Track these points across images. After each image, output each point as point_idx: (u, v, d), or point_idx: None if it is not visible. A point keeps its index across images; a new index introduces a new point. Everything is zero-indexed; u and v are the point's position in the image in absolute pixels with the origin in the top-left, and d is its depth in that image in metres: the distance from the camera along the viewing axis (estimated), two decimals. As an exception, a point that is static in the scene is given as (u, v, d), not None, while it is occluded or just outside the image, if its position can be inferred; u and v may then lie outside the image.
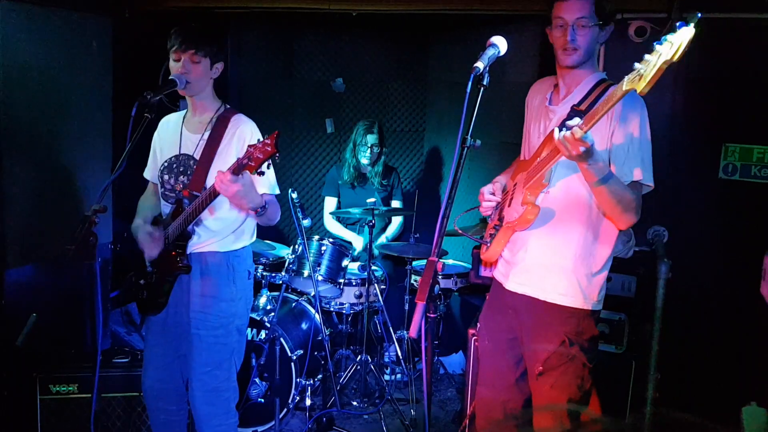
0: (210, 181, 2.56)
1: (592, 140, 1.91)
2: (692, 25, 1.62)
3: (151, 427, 2.94)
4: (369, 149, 4.39)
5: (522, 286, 2.32)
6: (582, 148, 1.88)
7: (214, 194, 2.42)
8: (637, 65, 1.72)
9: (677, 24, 1.64)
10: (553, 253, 2.25)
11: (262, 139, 2.28)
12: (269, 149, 2.22)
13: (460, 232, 2.68)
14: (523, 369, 2.38)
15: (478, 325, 2.61)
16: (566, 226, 2.23)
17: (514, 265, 2.35)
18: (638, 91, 1.71)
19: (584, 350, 2.24)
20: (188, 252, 2.62)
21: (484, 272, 3.35)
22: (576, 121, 1.87)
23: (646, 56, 1.69)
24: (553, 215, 2.23)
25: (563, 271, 2.24)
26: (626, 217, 2.14)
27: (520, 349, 2.37)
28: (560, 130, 1.93)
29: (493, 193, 2.40)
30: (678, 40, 1.62)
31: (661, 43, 1.65)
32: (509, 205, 2.37)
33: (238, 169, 2.28)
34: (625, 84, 1.76)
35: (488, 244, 2.42)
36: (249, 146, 2.26)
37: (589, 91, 2.22)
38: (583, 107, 2.18)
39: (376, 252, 4.39)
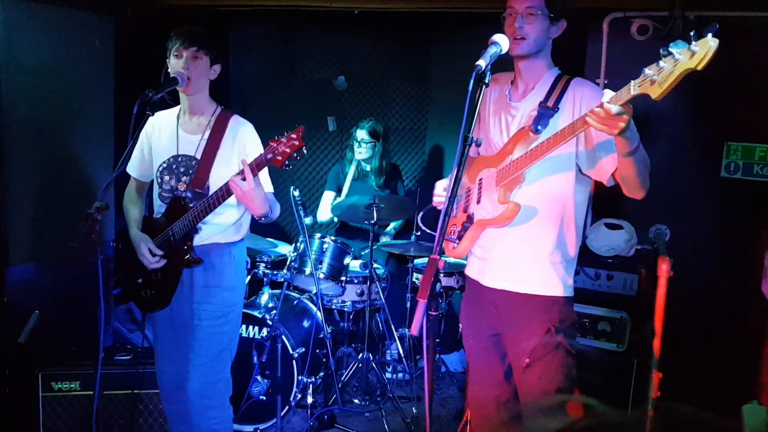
0: (212, 180, 2.63)
1: (631, 109, 1.87)
2: (710, 35, 1.60)
3: (167, 420, 2.96)
4: (357, 144, 4.45)
5: (500, 281, 2.33)
6: (622, 124, 1.86)
7: (227, 193, 2.47)
8: (647, 71, 1.71)
9: (691, 33, 1.62)
10: (530, 246, 2.27)
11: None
12: (296, 143, 2.33)
13: (428, 231, 2.68)
14: (509, 363, 2.39)
15: (461, 325, 2.62)
16: (542, 219, 2.25)
17: (489, 261, 2.36)
18: (653, 97, 1.72)
19: (567, 336, 2.27)
20: (193, 242, 2.67)
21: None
22: (608, 94, 1.85)
23: (660, 62, 1.68)
24: (529, 210, 2.24)
25: (541, 263, 2.26)
26: (646, 184, 2.14)
27: (503, 343, 2.38)
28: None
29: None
30: (703, 50, 1.60)
31: (676, 49, 1.64)
32: (478, 202, 2.37)
33: (261, 164, 2.36)
34: (633, 88, 1.76)
35: (455, 242, 2.42)
36: (272, 141, 2.35)
37: (552, 86, 2.25)
38: (550, 103, 2.21)
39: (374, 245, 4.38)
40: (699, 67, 1.63)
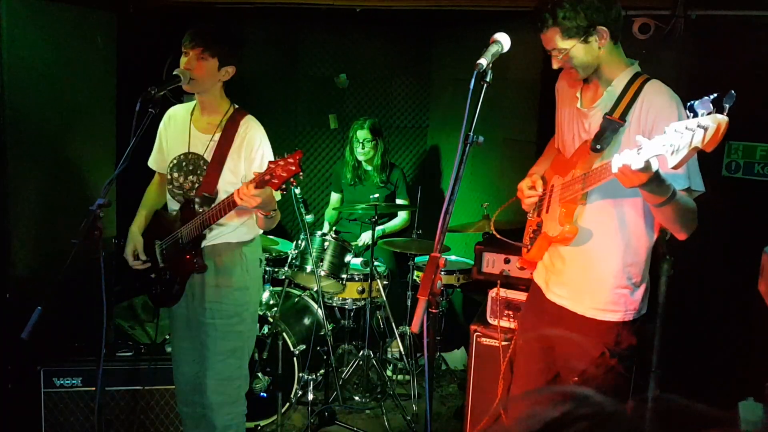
0: (222, 183, 2.61)
1: (655, 168, 1.73)
2: (727, 107, 1.51)
3: (182, 422, 2.99)
4: (360, 145, 4.44)
5: (561, 298, 2.30)
6: (637, 181, 1.77)
7: (233, 204, 2.42)
8: (668, 131, 1.62)
9: (712, 96, 1.53)
10: (591, 268, 2.22)
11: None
12: (293, 168, 2.25)
13: (498, 236, 2.59)
14: (554, 374, 2.37)
15: (518, 326, 2.60)
16: (604, 241, 2.19)
17: (553, 275, 2.33)
18: (669, 167, 1.64)
19: (622, 360, 2.22)
20: (202, 245, 2.65)
21: (487, 269, 3.35)
22: (629, 154, 1.72)
23: (678, 127, 1.59)
24: (591, 231, 2.19)
25: (603, 286, 2.20)
26: (688, 229, 2.04)
27: (553, 356, 2.36)
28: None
29: (533, 187, 2.33)
30: (712, 128, 1.52)
31: (702, 110, 1.54)
32: (547, 212, 2.32)
33: (260, 184, 2.30)
34: (658, 149, 1.66)
35: (528, 248, 2.39)
36: (270, 163, 2.28)
37: (621, 94, 2.11)
38: (615, 115, 2.08)
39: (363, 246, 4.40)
40: (707, 150, 1.55)
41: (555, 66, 2.16)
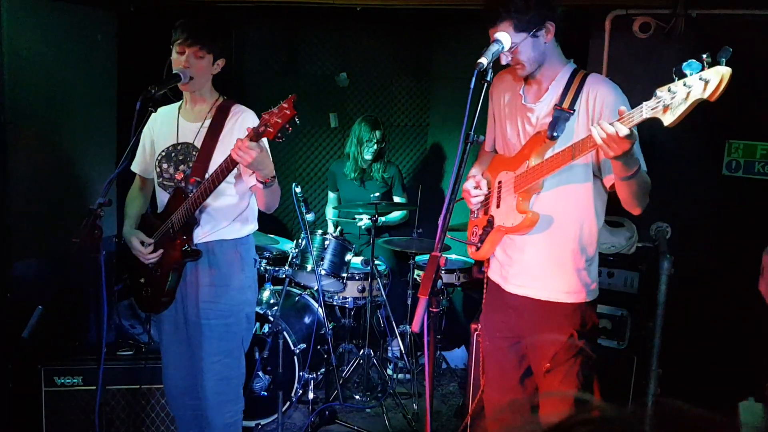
0: (213, 167, 2.54)
1: (636, 135, 1.85)
2: (723, 60, 1.57)
3: (176, 425, 2.98)
4: (376, 144, 4.39)
5: (522, 288, 2.31)
6: (624, 148, 1.83)
7: (230, 166, 2.36)
8: (659, 93, 1.69)
9: (704, 55, 1.58)
10: (550, 253, 2.25)
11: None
12: (288, 112, 2.19)
13: (449, 236, 2.64)
14: (526, 366, 2.38)
15: (479, 325, 2.62)
16: (561, 226, 2.23)
17: (511, 267, 2.34)
18: (666, 124, 1.70)
19: (589, 341, 2.26)
20: (195, 242, 2.60)
21: (487, 267, 3.36)
22: (614, 126, 1.80)
23: (673, 87, 1.65)
24: (548, 217, 2.22)
25: (563, 270, 2.24)
26: (644, 203, 2.14)
27: (522, 349, 2.37)
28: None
29: (478, 186, 2.36)
30: (716, 80, 1.57)
31: (689, 70, 1.61)
32: (498, 206, 2.34)
33: (255, 137, 2.24)
34: (646, 111, 1.73)
35: (477, 246, 2.40)
36: (264, 114, 2.22)
37: (567, 85, 2.19)
38: (565, 105, 2.16)
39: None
40: (711, 99, 1.60)
41: (503, 62, 2.18)
